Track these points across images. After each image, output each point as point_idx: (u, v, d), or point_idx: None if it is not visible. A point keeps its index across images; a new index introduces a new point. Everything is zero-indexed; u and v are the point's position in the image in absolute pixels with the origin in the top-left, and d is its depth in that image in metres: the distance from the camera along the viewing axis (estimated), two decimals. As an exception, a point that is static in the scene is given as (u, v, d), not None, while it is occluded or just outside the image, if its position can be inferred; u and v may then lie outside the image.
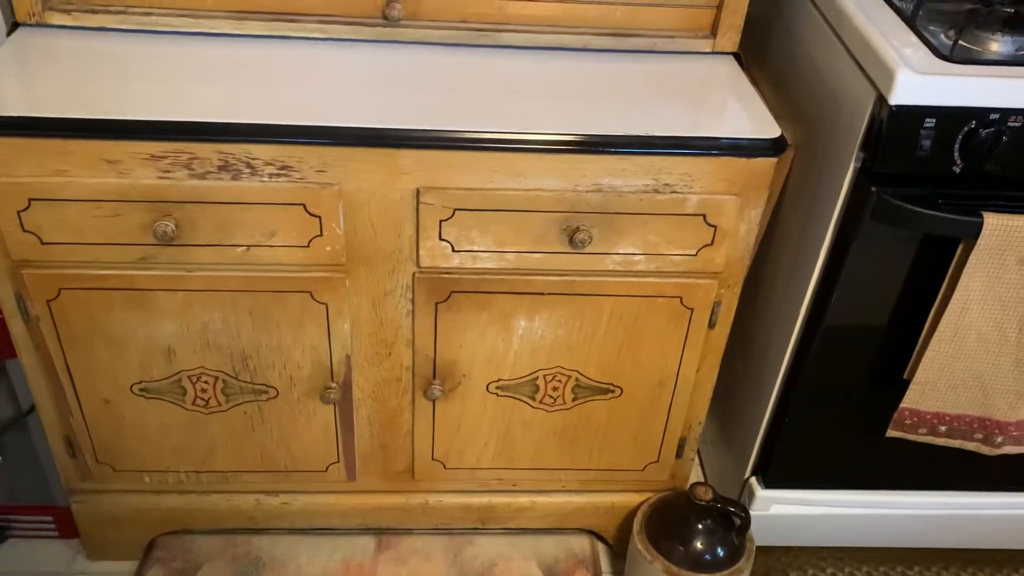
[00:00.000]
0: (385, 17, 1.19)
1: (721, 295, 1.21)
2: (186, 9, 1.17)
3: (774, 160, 1.10)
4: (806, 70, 1.23)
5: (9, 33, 1.17)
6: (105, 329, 1.17)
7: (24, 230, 1.08)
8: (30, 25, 1.17)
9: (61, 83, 1.08)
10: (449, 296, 1.18)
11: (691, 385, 1.30)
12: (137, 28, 1.17)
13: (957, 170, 1.03)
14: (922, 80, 0.98)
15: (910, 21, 1.09)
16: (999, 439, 1.22)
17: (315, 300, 1.17)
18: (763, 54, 1.36)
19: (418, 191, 1.09)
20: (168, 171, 1.05)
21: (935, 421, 1.21)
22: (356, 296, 1.18)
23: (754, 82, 1.23)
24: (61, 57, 1.12)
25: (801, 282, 1.21)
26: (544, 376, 1.28)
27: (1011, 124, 1.00)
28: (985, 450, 1.24)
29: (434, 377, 1.26)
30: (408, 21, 1.20)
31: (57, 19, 1.17)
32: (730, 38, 1.24)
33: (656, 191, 1.11)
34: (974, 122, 1.00)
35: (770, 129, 1.10)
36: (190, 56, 1.15)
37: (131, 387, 1.24)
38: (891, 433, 1.24)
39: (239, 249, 1.11)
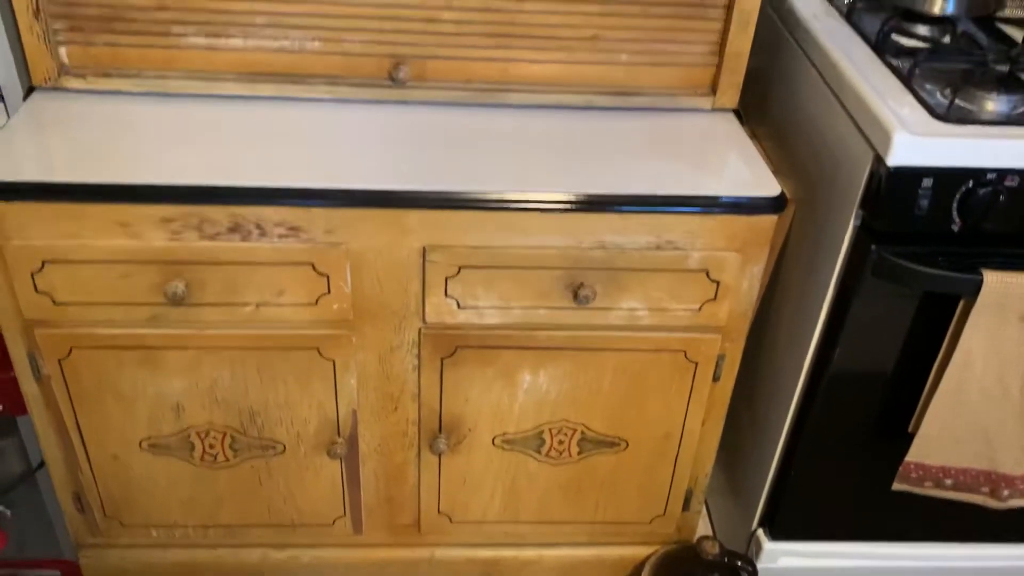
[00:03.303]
0: (392, 79, 1.22)
1: (725, 349, 1.22)
2: (198, 71, 1.20)
3: (775, 218, 1.12)
4: (805, 126, 1.25)
5: (26, 97, 1.20)
6: (115, 386, 1.19)
7: (37, 291, 1.09)
8: (46, 89, 1.20)
9: (76, 147, 1.10)
10: (455, 351, 1.20)
11: (697, 438, 1.30)
12: (150, 91, 1.20)
13: (955, 228, 1.04)
14: (919, 142, 1.00)
15: (906, 81, 1.11)
16: (1006, 492, 1.22)
17: (322, 356, 1.18)
18: (763, 107, 1.39)
19: (424, 249, 1.11)
20: (179, 233, 1.07)
21: (941, 475, 1.21)
22: (363, 352, 1.19)
23: (754, 136, 1.25)
24: (76, 121, 1.15)
25: (804, 335, 1.22)
26: (550, 430, 1.28)
27: (1008, 184, 1.01)
28: (992, 503, 1.24)
29: (440, 431, 1.27)
30: (414, 82, 1.23)
31: (73, 83, 1.20)
32: (730, 96, 1.26)
33: (659, 248, 1.13)
34: (971, 182, 1.01)
35: (771, 187, 1.12)
36: (202, 117, 1.17)
37: (140, 443, 1.25)
38: (897, 487, 1.24)
39: (248, 308, 1.13)
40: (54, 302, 1.11)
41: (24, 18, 1.14)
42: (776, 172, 1.16)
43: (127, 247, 1.07)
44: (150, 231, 1.07)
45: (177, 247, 1.07)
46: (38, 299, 1.10)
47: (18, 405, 1.22)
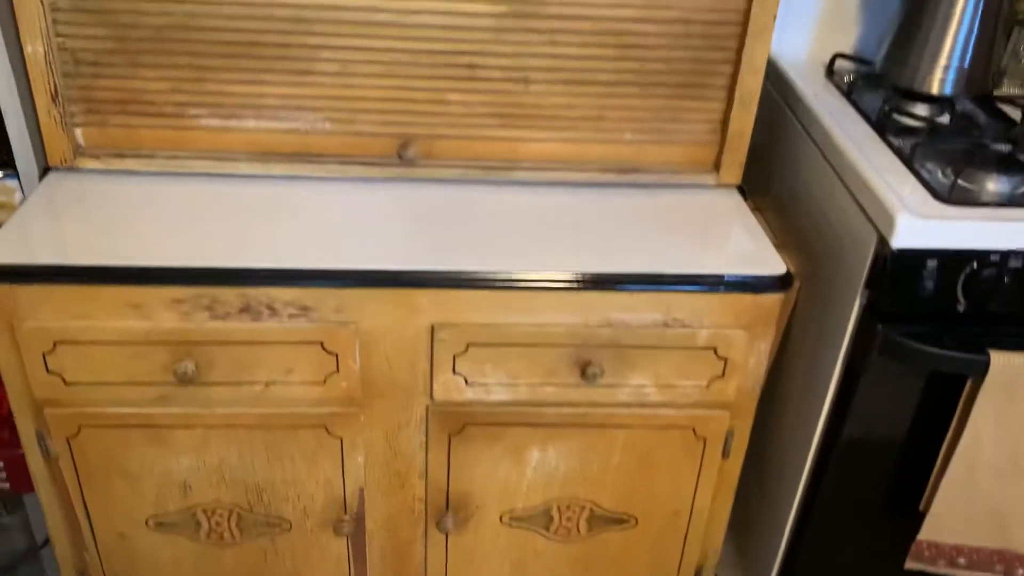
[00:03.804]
0: (401, 157, 1.24)
1: (734, 425, 1.22)
2: (211, 151, 1.23)
3: (781, 296, 1.13)
4: (808, 202, 1.27)
5: (41, 177, 1.22)
6: (122, 465, 1.18)
7: (48, 371, 1.10)
8: (61, 169, 1.22)
9: (89, 228, 1.12)
10: (463, 428, 1.19)
11: (706, 514, 1.29)
12: (164, 171, 1.23)
13: (961, 309, 1.05)
14: (922, 224, 1.01)
15: (908, 161, 1.13)
16: (1020, 571, 1.20)
17: (330, 434, 1.18)
18: (766, 180, 1.41)
19: (433, 327, 1.12)
20: (190, 313, 1.08)
21: (954, 553, 1.19)
22: (370, 430, 1.19)
23: (758, 209, 1.26)
24: (90, 201, 1.17)
25: (813, 412, 1.22)
26: (558, 507, 1.27)
27: (1011, 265, 1.02)
28: (1007, 582, 1.23)
29: (447, 508, 1.26)
30: (423, 160, 1.25)
31: (87, 163, 1.22)
32: (733, 173, 1.28)
33: (666, 325, 1.13)
34: (975, 263, 1.02)
35: (776, 266, 1.13)
36: (215, 196, 1.19)
37: (146, 521, 1.24)
38: (910, 565, 1.22)
39: (257, 387, 1.13)
40: (64, 382, 1.11)
41: (43, 102, 1.17)
42: (780, 247, 1.17)
43: (138, 328, 1.08)
44: (161, 312, 1.08)
45: (188, 328, 1.08)
46: (49, 379, 1.11)
47: (25, 482, 1.22)
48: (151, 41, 1.15)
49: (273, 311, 1.09)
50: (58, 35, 1.14)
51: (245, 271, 1.06)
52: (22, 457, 1.19)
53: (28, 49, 1.13)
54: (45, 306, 1.06)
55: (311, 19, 1.14)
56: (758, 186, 1.39)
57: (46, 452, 1.17)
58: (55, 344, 1.08)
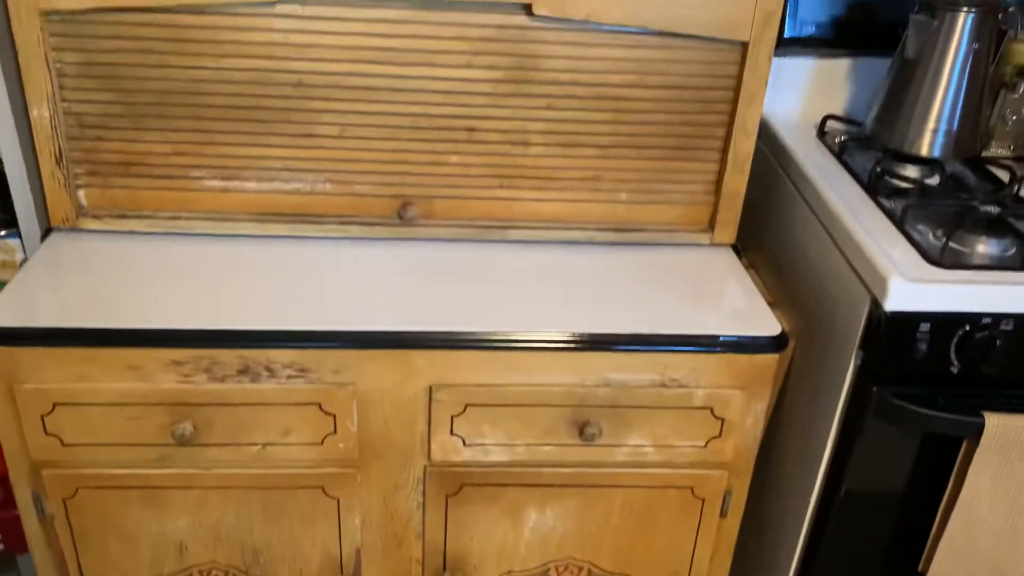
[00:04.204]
0: (400, 217, 1.26)
1: (732, 485, 1.22)
2: (212, 212, 1.24)
3: (777, 356, 1.13)
4: (801, 261, 1.28)
5: (43, 237, 1.23)
6: (119, 525, 1.18)
7: (46, 433, 1.10)
8: (63, 230, 1.23)
9: (90, 290, 1.13)
10: (460, 489, 1.19)
11: (705, 573, 1.28)
12: (165, 231, 1.24)
13: (955, 371, 1.06)
14: (915, 288, 1.02)
15: (899, 223, 1.14)
16: (1022, 633, 1.19)
17: (327, 495, 1.18)
18: (760, 236, 1.42)
19: (431, 388, 1.12)
20: (189, 375, 1.08)
21: (955, 615, 1.19)
22: (367, 491, 1.19)
23: (752, 266, 1.28)
24: (91, 262, 1.18)
25: (810, 471, 1.22)
26: (556, 567, 1.27)
27: (1003, 328, 1.03)
28: (1008, 643, 1.21)
29: (444, 569, 1.25)
30: (422, 220, 1.26)
31: (89, 224, 1.23)
32: (728, 232, 1.30)
33: (663, 385, 1.14)
34: (968, 326, 1.04)
35: (771, 326, 1.14)
36: (215, 257, 1.20)
37: (140, 583, 1.23)
38: (911, 626, 1.21)
39: (254, 448, 1.13)
40: (62, 443, 1.11)
41: (47, 164, 1.19)
42: (775, 304, 1.18)
43: (137, 390, 1.08)
44: (160, 374, 1.08)
45: (187, 389, 1.09)
46: (47, 440, 1.11)
47: (20, 544, 1.22)
48: (155, 105, 1.17)
49: (271, 372, 1.09)
50: (64, 99, 1.16)
51: (244, 333, 1.07)
52: (17, 518, 1.19)
53: (34, 113, 1.15)
54: (45, 368, 1.07)
55: (313, 84, 1.17)
56: (752, 240, 1.40)
57: (42, 513, 1.16)
58: (54, 406, 1.08)
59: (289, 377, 1.10)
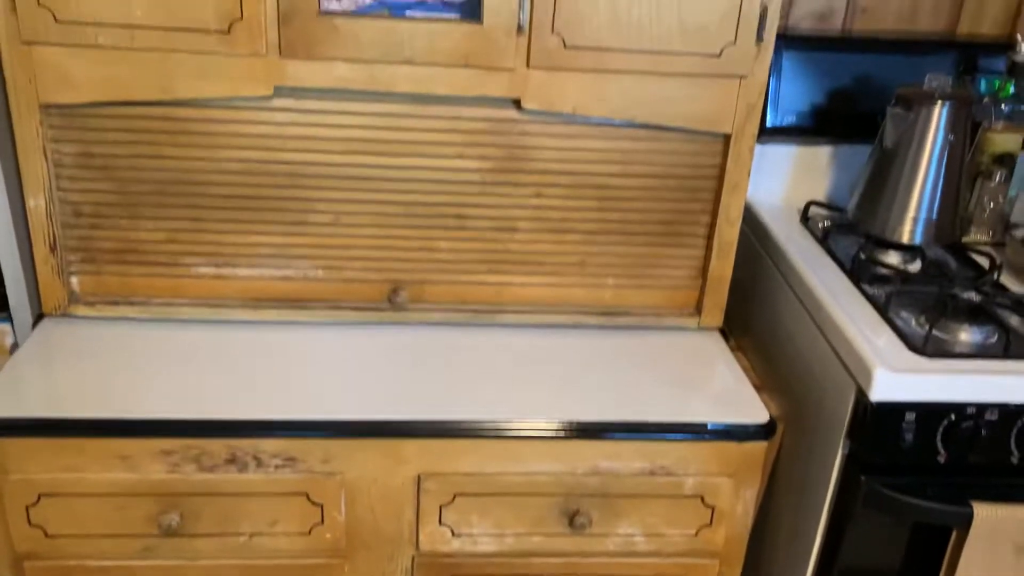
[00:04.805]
0: (391, 302, 1.27)
1: (723, 573, 1.21)
2: (204, 298, 1.25)
3: (766, 443, 1.14)
4: (789, 347, 1.29)
5: (35, 323, 1.24)
6: (100, 618, 1.16)
7: (31, 524, 1.09)
8: (55, 316, 1.24)
9: (80, 378, 1.13)
10: (449, 579, 1.18)
11: (697, 664, 1.26)
12: (157, 317, 1.25)
13: (942, 460, 1.07)
14: (900, 379, 1.03)
15: (882, 311, 1.16)
16: None
17: (314, 586, 1.16)
18: (746, 318, 1.44)
19: (419, 477, 1.12)
20: (178, 465, 1.08)
21: None
22: (355, 581, 1.17)
23: (740, 349, 1.29)
24: (82, 349, 1.18)
25: (801, 559, 1.21)
26: (546, 659, 1.24)
27: (988, 418, 1.04)
28: None
29: (433, 661, 1.23)
30: (412, 305, 1.28)
31: (81, 310, 1.24)
32: (714, 316, 1.31)
33: (653, 474, 1.14)
34: (953, 415, 1.04)
35: (759, 414, 1.14)
36: (206, 343, 1.21)
37: (121, 677, 1.20)
38: None
39: (241, 538, 1.12)
40: (46, 534, 1.10)
41: (41, 252, 1.20)
42: (762, 388, 1.19)
43: (125, 480, 1.08)
44: (149, 464, 1.08)
45: (175, 479, 1.08)
46: (30, 532, 1.09)
47: (-2, 637, 1.19)
48: (150, 194, 1.19)
49: (259, 462, 1.09)
50: (60, 188, 1.18)
51: (232, 423, 1.07)
52: (-3, 610, 1.17)
53: (31, 203, 1.17)
54: (32, 458, 1.06)
55: (307, 174, 1.19)
56: (740, 322, 1.42)
57: (22, 606, 1.14)
58: (39, 496, 1.08)
59: (276, 467, 1.09)
